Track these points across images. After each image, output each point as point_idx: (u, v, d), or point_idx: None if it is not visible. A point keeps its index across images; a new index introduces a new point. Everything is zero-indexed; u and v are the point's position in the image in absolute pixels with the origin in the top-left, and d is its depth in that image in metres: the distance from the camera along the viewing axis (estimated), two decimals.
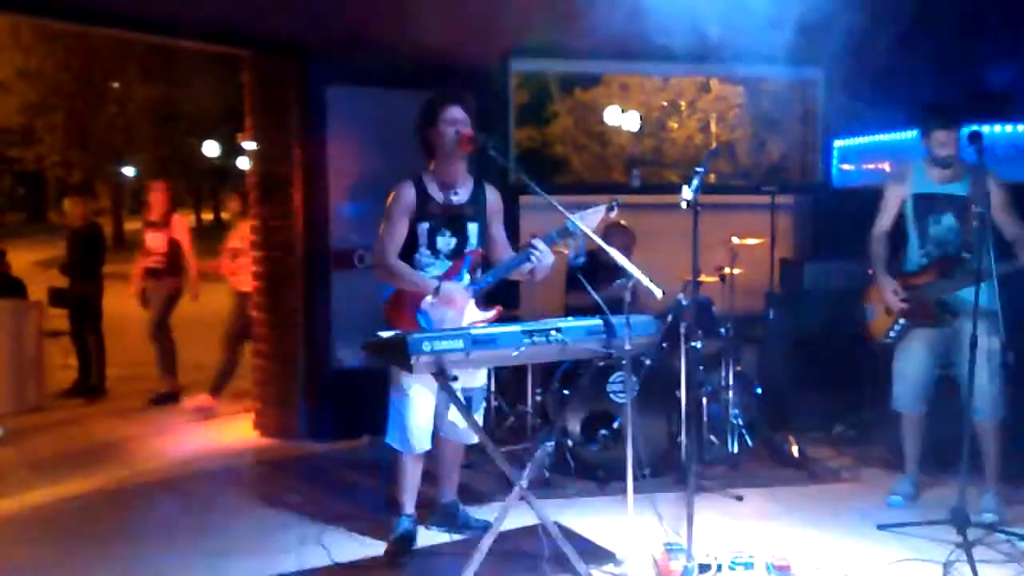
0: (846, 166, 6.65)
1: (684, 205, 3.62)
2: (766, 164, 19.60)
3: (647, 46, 6.51)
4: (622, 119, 19.47)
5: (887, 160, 6.25)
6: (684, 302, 5.22)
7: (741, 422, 5.44)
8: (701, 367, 5.34)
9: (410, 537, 4.02)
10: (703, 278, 5.42)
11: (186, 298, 7.19)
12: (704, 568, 3.60)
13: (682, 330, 5.10)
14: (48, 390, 7.32)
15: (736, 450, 5.30)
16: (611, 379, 4.95)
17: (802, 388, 5.92)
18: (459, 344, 3.31)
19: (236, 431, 6.22)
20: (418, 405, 3.89)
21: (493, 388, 5.50)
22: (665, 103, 20.80)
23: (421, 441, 3.94)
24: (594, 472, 4.91)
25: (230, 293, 6.69)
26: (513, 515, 3.69)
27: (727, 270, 5.72)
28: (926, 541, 4.04)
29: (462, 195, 3.97)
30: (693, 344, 5.17)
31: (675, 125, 20.95)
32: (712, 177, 16.39)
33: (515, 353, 3.40)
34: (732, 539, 4.10)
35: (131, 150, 26.42)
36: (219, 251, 6.86)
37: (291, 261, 5.86)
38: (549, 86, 21.19)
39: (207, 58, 19.51)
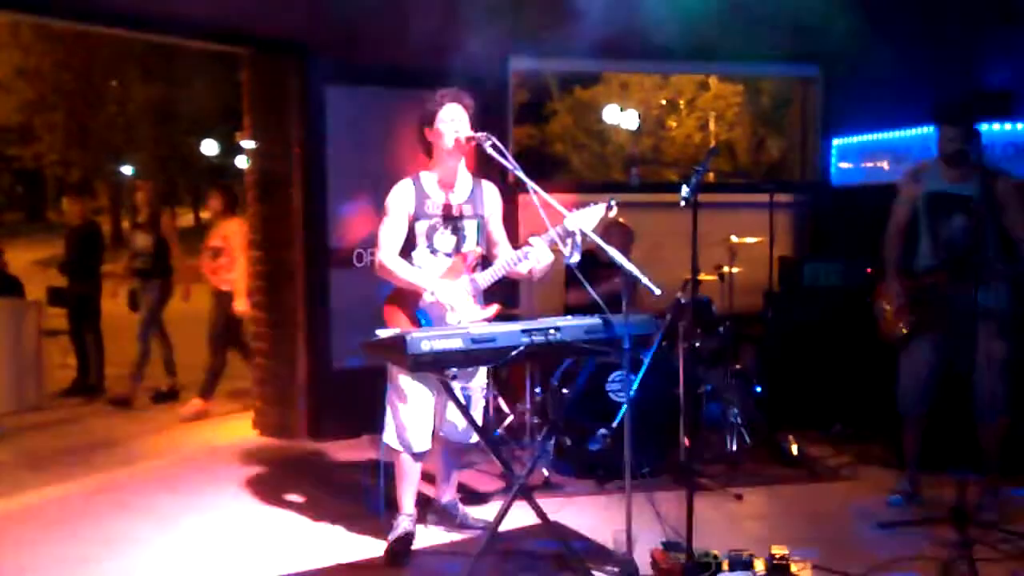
0: (845, 164, 6.65)
1: (683, 204, 3.62)
2: (765, 163, 19.63)
3: (646, 44, 6.51)
4: (621, 117, 19.50)
5: (886, 158, 6.25)
6: (683, 301, 5.21)
7: (740, 421, 5.44)
8: (700, 366, 5.34)
9: (410, 537, 4.01)
10: (702, 277, 5.42)
11: (176, 297, 7.18)
12: (703, 567, 3.60)
13: (681, 329, 5.10)
14: (47, 389, 7.33)
15: (735, 449, 5.30)
16: (610, 378, 4.95)
17: (801, 386, 5.92)
18: (458, 343, 3.31)
19: (235, 430, 6.22)
20: (417, 404, 3.89)
21: (492, 387, 5.50)
22: (664, 101, 20.80)
23: (420, 440, 3.94)
24: (593, 471, 4.91)
25: (210, 292, 6.68)
26: (513, 514, 3.69)
27: (726, 269, 5.72)
28: (926, 540, 4.04)
29: (461, 194, 3.97)
30: (692, 343, 5.17)
31: (674, 124, 20.97)
32: (711, 176, 16.41)
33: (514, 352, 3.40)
34: (731, 538, 4.10)
35: (130, 149, 26.42)
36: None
37: (290, 260, 5.86)
38: (548, 84, 21.20)
39: (206, 57, 19.53)
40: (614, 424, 4.75)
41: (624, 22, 6.38)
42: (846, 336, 5.74)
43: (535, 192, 3.64)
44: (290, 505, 4.68)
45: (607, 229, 5.46)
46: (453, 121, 3.86)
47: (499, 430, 5.58)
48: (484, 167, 4.21)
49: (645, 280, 3.59)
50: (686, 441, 4.85)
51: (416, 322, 3.83)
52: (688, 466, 3.91)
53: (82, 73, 24.08)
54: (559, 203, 3.73)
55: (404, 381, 3.86)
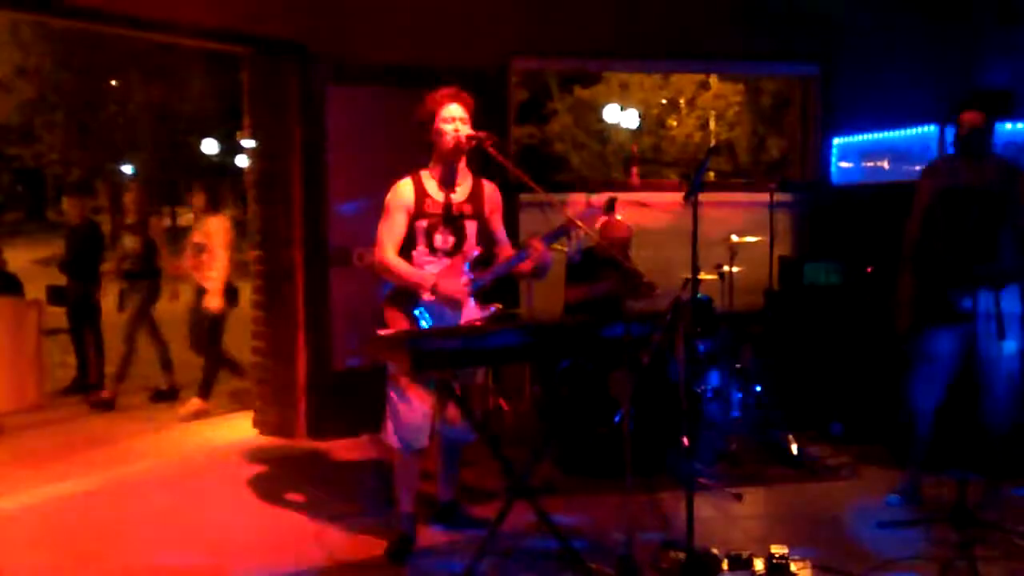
0: (845, 164, 6.65)
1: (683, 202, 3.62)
2: (765, 162, 19.63)
3: (646, 43, 6.51)
4: (621, 117, 19.50)
5: (886, 158, 6.25)
6: (683, 300, 5.21)
7: (740, 420, 5.44)
8: (700, 365, 5.34)
9: (410, 536, 4.01)
10: (702, 276, 5.42)
11: (164, 298, 7.16)
12: (703, 566, 3.60)
13: (681, 328, 5.09)
14: (47, 388, 7.33)
15: (735, 448, 5.30)
16: (610, 377, 4.95)
17: (801, 386, 5.92)
18: (457, 342, 3.31)
19: (235, 429, 6.21)
20: (416, 403, 3.89)
21: (492, 386, 5.50)
22: (664, 101, 20.80)
23: (418, 438, 3.93)
24: (594, 470, 4.91)
25: (194, 289, 6.67)
26: (513, 513, 3.69)
27: (726, 268, 5.73)
28: (925, 539, 4.04)
29: (461, 193, 3.96)
30: (692, 342, 5.17)
31: (674, 123, 20.96)
32: (711, 175, 16.42)
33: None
34: (731, 537, 4.11)
35: (130, 149, 26.41)
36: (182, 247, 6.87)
37: (290, 259, 5.86)
38: (549, 84, 21.20)
39: (207, 56, 19.52)
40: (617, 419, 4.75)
41: (624, 21, 6.39)
42: (846, 335, 5.74)
43: (535, 191, 3.64)
44: (290, 505, 4.68)
45: (606, 228, 5.47)
46: (454, 120, 3.86)
47: (499, 429, 5.58)
48: (484, 166, 4.21)
49: (645, 279, 3.59)
50: (686, 440, 4.85)
51: (416, 321, 3.83)
52: (688, 465, 3.90)
53: (82, 73, 24.05)
54: (559, 202, 3.73)
55: (403, 380, 3.86)
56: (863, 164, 6.50)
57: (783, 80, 12.23)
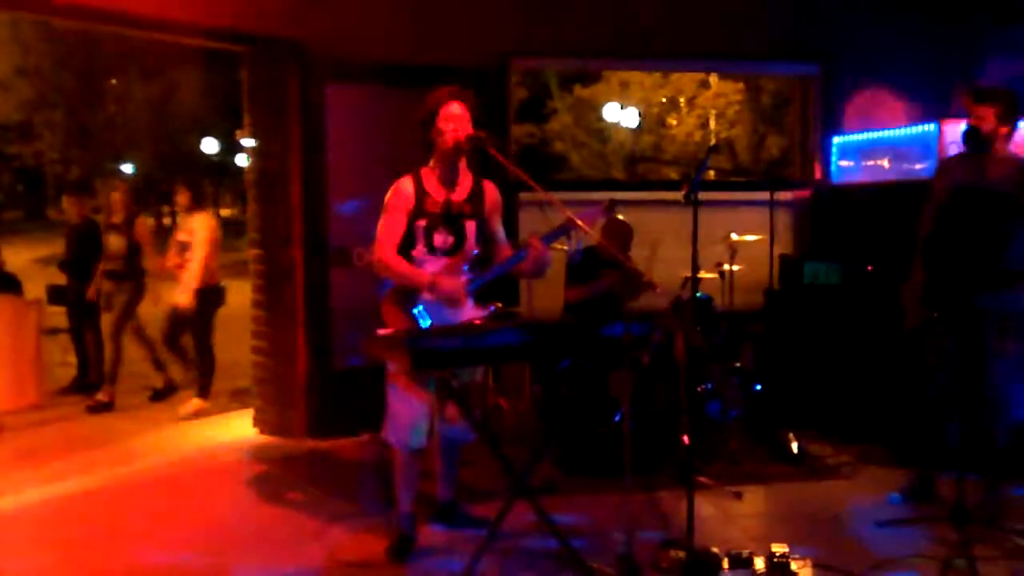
0: (845, 162, 6.65)
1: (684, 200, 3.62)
2: (765, 160, 19.63)
3: (646, 42, 6.51)
4: (621, 116, 19.50)
5: (886, 156, 6.25)
6: (683, 298, 5.22)
7: (740, 419, 5.44)
8: (700, 364, 5.34)
9: (410, 535, 4.02)
10: (703, 274, 5.42)
11: (150, 300, 7.15)
12: (703, 565, 3.60)
13: (681, 327, 5.09)
14: (47, 387, 7.32)
15: (735, 447, 5.30)
16: (610, 377, 4.95)
17: (801, 385, 5.92)
18: (457, 341, 3.31)
19: (236, 429, 6.21)
20: (415, 402, 3.88)
21: (492, 386, 5.50)
22: (664, 100, 20.79)
23: (418, 438, 3.93)
24: (594, 469, 4.91)
25: (178, 288, 6.64)
26: (513, 513, 3.68)
27: (726, 266, 5.73)
28: (925, 538, 4.04)
29: (461, 192, 3.96)
30: (692, 341, 5.16)
31: (674, 122, 20.95)
32: (711, 174, 16.41)
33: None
34: (731, 536, 4.11)
35: (130, 147, 26.41)
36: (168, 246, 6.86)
37: (290, 258, 5.86)
38: (549, 83, 21.19)
39: (206, 55, 19.52)
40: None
41: (624, 20, 6.39)
42: (846, 334, 5.73)
43: (535, 190, 3.64)
44: (290, 504, 4.68)
45: (606, 227, 5.47)
46: (454, 120, 3.86)
47: (498, 429, 5.58)
48: (484, 166, 4.21)
49: (645, 278, 3.59)
50: (686, 439, 4.85)
51: (415, 320, 3.83)
52: (688, 464, 3.90)
53: (82, 72, 24.06)
54: (559, 202, 3.72)
55: (403, 379, 3.86)
56: (863, 163, 6.50)
57: (783, 79, 12.22)
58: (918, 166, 5.88)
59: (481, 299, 3.95)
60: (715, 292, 5.76)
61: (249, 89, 6.00)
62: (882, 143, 6.30)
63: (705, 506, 4.45)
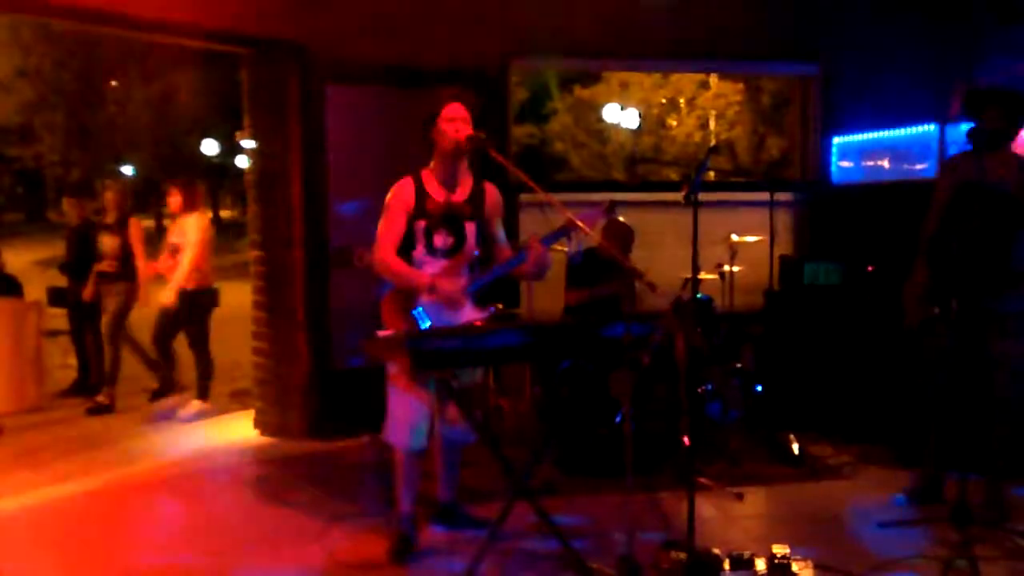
0: (845, 163, 6.65)
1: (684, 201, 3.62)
2: (765, 161, 19.62)
3: (646, 43, 6.51)
4: (621, 116, 19.49)
5: (886, 157, 6.25)
6: (684, 299, 5.21)
7: (741, 420, 5.44)
8: (701, 365, 5.34)
9: (410, 536, 4.01)
10: (703, 275, 5.42)
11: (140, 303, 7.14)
12: (704, 566, 3.60)
13: (682, 328, 5.09)
14: (47, 389, 7.32)
15: (736, 448, 5.30)
16: (611, 378, 4.95)
17: (802, 386, 5.92)
18: (457, 342, 3.31)
19: (236, 430, 6.21)
20: (416, 403, 3.88)
21: (492, 387, 5.50)
22: (664, 100, 20.78)
23: (418, 439, 3.92)
24: (594, 470, 4.91)
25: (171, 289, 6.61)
26: (514, 514, 3.68)
27: (727, 267, 5.73)
28: (927, 539, 4.04)
29: (461, 194, 3.96)
30: (693, 342, 5.16)
31: (674, 122, 20.94)
32: (711, 174, 16.41)
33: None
34: (732, 537, 4.10)
35: (130, 149, 26.41)
36: (157, 248, 6.84)
37: (291, 259, 5.86)
38: (548, 83, 21.19)
39: (206, 56, 19.51)
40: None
41: (624, 21, 6.39)
42: (846, 335, 5.73)
43: (535, 191, 3.64)
44: (290, 505, 4.68)
45: (606, 228, 5.47)
46: (454, 120, 3.85)
47: (499, 429, 5.58)
48: (485, 167, 4.21)
49: (646, 279, 3.59)
50: (686, 440, 4.85)
51: (415, 321, 3.83)
52: (689, 465, 3.89)
53: (82, 73, 24.07)
54: (559, 203, 3.72)
55: (403, 380, 3.86)
56: (863, 164, 6.51)
57: (783, 79, 12.22)
58: (918, 166, 5.89)
59: (481, 300, 3.95)
60: (715, 293, 5.76)
61: (249, 90, 6.01)
62: (882, 143, 6.30)
63: (706, 507, 4.45)
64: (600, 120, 20.73)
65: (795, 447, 5.25)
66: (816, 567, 3.68)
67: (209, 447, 5.85)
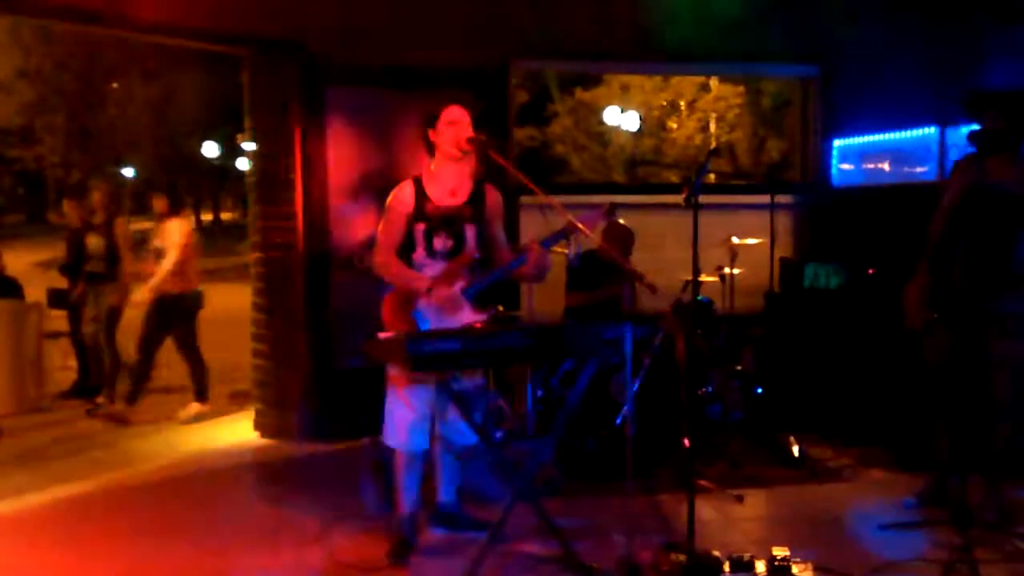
0: (846, 166, 6.66)
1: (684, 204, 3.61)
2: (765, 164, 19.62)
3: (646, 46, 6.51)
4: (622, 119, 19.50)
5: (887, 159, 6.26)
6: (684, 302, 5.22)
7: (741, 422, 5.44)
8: (701, 367, 5.34)
9: (410, 538, 4.01)
10: (703, 278, 5.42)
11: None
12: (705, 568, 3.60)
13: (682, 330, 5.09)
14: (48, 391, 7.32)
15: (736, 450, 5.29)
16: (612, 379, 4.95)
17: (802, 388, 5.92)
18: (456, 344, 3.31)
19: (236, 431, 6.21)
20: (415, 404, 3.88)
21: (493, 388, 5.50)
22: (665, 103, 20.79)
23: (418, 440, 3.93)
24: (594, 471, 4.91)
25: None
26: (514, 515, 3.68)
27: (727, 270, 5.73)
28: (927, 541, 4.04)
29: (461, 196, 3.96)
30: (693, 344, 5.16)
31: (675, 125, 20.93)
32: (712, 177, 16.40)
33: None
34: (732, 539, 4.10)
35: (131, 151, 26.43)
36: (145, 250, 6.82)
37: (291, 261, 5.86)
38: (549, 86, 21.19)
39: (207, 58, 19.52)
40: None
41: (624, 23, 6.39)
42: (847, 337, 5.73)
43: (535, 193, 3.64)
44: (290, 505, 4.68)
45: (606, 230, 5.47)
46: (455, 123, 3.86)
47: (499, 431, 5.58)
48: (485, 169, 4.21)
49: (646, 281, 3.60)
50: (686, 442, 4.85)
51: (415, 323, 3.83)
52: (689, 467, 3.89)
53: (83, 75, 24.09)
54: (560, 205, 3.73)
55: (403, 382, 3.86)
56: (864, 166, 6.51)
57: (783, 81, 12.23)
58: (919, 169, 5.89)
59: (482, 302, 3.95)
60: (716, 295, 5.76)
61: (250, 92, 6.01)
62: (883, 146, 6.30)
63: (706, 509, 4.45)
64: (601, 123, 20.72)
65: (795, 449, 5.26)
66: (816, 569, 3.68)
67: (209, 449, 5.85)
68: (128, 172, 28.33)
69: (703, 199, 3.72)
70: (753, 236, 5.76)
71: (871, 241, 5.94)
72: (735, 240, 5.70)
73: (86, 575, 3.89)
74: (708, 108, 19.96)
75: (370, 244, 3.97)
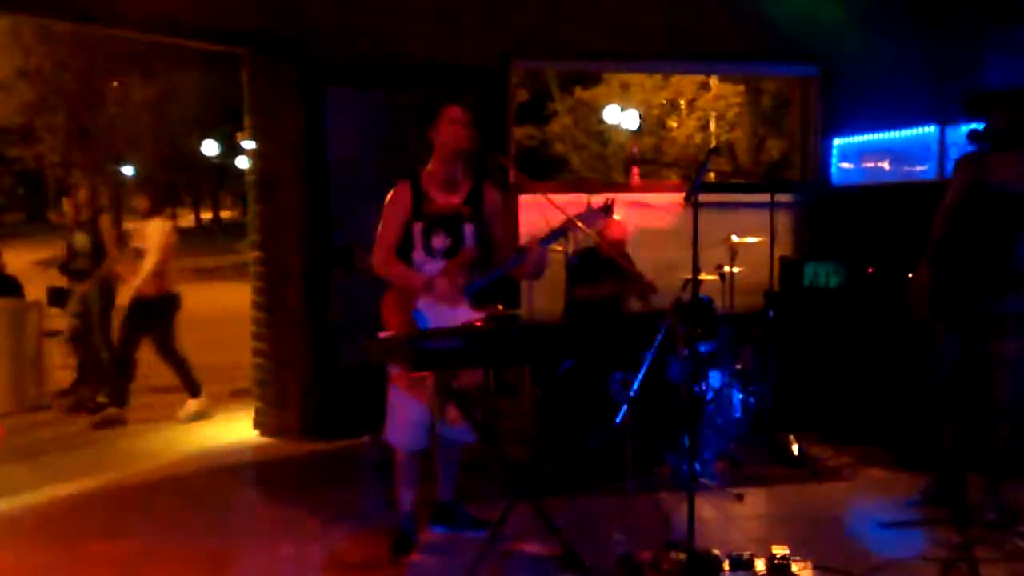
0: (845, 165, 6.65)
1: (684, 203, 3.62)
2: (765, 163, 19.63)
3: (646, 44, 6.51)
4: (622, 118, 19.49)
5: (886, 158, 6.25)
6: (684, 300, 5.21)
7: (741, 421, 5.43)
8: (701, 366, 5.33)
9: (410, 536, 4.01)
10: (703, 276, 5.42)
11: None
12: (705, 567, 3.60)
13: (682, 329, 5.09)
14: (47, 389, 7.32)
15: (736, 449, 5.29)
16: (611, 378, 4.95)
17: (802, 387, 5.91)
18: (456, 343, 3.31)
19: (236, 430, 6.21)
20: (415, 403, 3.88)
21: (492, 387, 5.50)
22: (665, 102, 20.78)
23: (419, 439, 3.93)
24: (594, 471, 4.91)
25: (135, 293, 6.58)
26: (513, 514, 3.68)
27: (727, 268, 5.72)
28: (927, 540, 4.04)
29: (460, 195, 3.96)
30: (693, 343, 5.16)
31: (675, 124, 20.93)
32: (712, 176, 16.40)
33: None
34: (732, 538, 4.10)
35: (131, 149, 26.42)
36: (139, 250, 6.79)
37: (291, 260, 5.86)
38: (549, 84, 21.20)
39: (207, 57, 19.52)
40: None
41: (624, 22, 6.39)
42: (846, 336, 5.73)
43: (535, 192, 3.64)
44: (291, 505, 4.68)
45: (606, 229, 5.47)
46: (455, 122, 3.86)
47: (499, 429, 5.58)
48: (485, 168, 4.21)
49: (645, 279, 3.59)
50: (686, 441, 4.85)
51: (414, 322, 3.83)
52: (689, 466, 3.90)
53: (83, 74, 24.06)
54: (559, 203, 3.73)
55: (403, 381, 3.86)
56: (863, 165, 6.50)
57: (783, 81, 12.22)
58: (918, 168, 5.88)
59: (481, 300, 3.95)
60: (715, 294, 5.76)
61: (250, 91, 6.01)
62: (882, 145, 6.30)
63: (706, 508, 4.45)
64: (600, 121, 20.72)
65: (795, 448, 5.25)
66: (816, 568, 3.68)
67: (209, 448, 5.85)
68: (128, 171, 28.32)
69: (703, 198, 3.72)
70: (753, 235, 5.75)
71: (871, 240, 5.94)
72: (735, 239, 5.69)
73: (85, 575, 3.89)
74: (708, 107, 19.96)
75: (370, 242, 3.97)
